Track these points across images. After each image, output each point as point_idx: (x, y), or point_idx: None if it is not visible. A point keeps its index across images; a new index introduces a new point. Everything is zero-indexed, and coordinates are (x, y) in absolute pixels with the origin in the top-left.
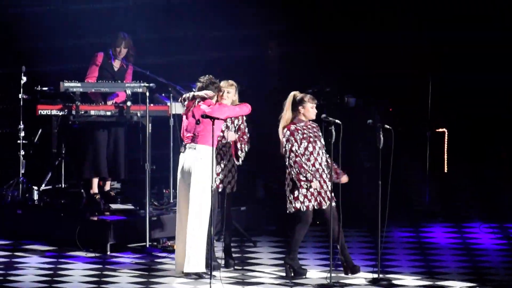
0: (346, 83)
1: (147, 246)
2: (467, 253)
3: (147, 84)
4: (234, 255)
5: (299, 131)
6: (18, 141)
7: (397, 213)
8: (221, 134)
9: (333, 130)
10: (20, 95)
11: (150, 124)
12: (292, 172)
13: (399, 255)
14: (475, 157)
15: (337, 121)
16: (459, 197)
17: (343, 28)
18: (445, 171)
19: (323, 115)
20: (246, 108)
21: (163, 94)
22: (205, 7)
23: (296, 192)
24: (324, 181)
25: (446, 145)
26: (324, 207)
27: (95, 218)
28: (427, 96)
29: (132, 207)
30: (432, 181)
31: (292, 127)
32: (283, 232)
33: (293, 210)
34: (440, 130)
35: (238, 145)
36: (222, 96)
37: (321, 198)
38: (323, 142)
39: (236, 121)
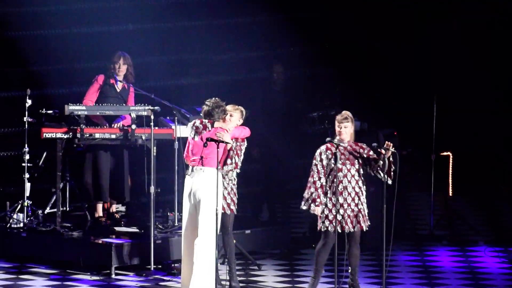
0: (351, 107)
1: (152, 269)
2: (472, 277)
3: (152, 107)
4: (238, 278)
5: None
6: (23, 164)
7: (402, 236)
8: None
9: (337, 154)
10: (25, 118)
11: (154, 147)
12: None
13: (404, 278)
14: (479, 181)
15: (341, 144)
16: (464, 220)
17: (348, 52)
18: (450, 194)
19: (328, 139)
20: (246, 131)
21: (168, 117)
22: (210, 30)
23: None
24: (349, 205)
25: (451, 168)
26: (346, 231)
27: (100, 241)
28: (432, 120)
29: (137, 230)
30: (437, 204)
31: (323, 147)
32: (288, 255)
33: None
34: (445, 153)
35: (231, 153)
36: (224, 119)
37: (344, 222)
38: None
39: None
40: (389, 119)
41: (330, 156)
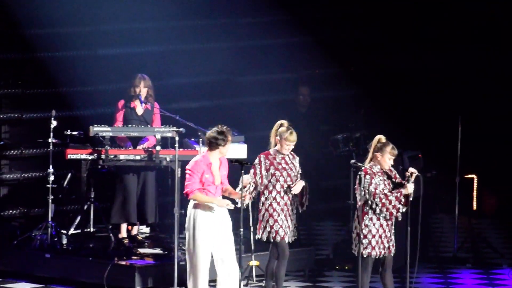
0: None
1: None
2: None
3: (176, 129)
4: None
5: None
6: (48, 185)
7: (425, 259)
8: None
9: (362, 176)
10: (50, 139)
11: (179, 169)
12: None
13: None
14: (504, 203)
15: (366, 166)
16: (488, 243)
17: (373, 74)
18: (474, 217)
19: (353, 161)
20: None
21: (193, 139)
22: (236, 52)
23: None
24: (384, 230)
25: (475, 191)
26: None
27: (124, 263)
28: (457, 141)
29: (161, 251)
30: (461, 227)
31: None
32: (312, 277)
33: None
34: (469, 176)
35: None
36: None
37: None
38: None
39: (294, 170)
40: (414, 141)
41: (379, 181)
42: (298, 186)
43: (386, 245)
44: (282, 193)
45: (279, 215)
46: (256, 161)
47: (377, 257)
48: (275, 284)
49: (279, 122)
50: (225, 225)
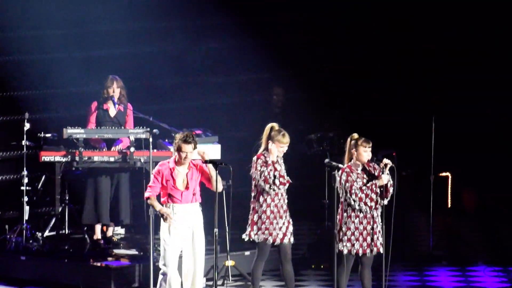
0: (349, 128)
1: None
2: None
3: (150, 130)
4: None
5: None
6: (22, 188)
7: (401, 256)
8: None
9: (336, 175)
10: (23, 142)
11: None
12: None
13: None
14: (478, 201)
15: (340, 165)
16: (463, 240)
17: (346, 73)
18: (449, 215)
19: (327, 160)
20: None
21: (166, 140)
22: (208, 53)
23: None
24: (365, 228)
25: (450, 189)
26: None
27: (99, 264)
28: (431, 140)
29: (136, 252)
30: (436, 224)
31: (347, 169)
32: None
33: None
34: (444, 174)
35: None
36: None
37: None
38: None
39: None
40: (388, 140)
41: (355, 178)
42: None
43: (370, 243)
44: (279, 195)
45: (275, 217)
46: (260, 161)
47: (359, 254)
48: (251, 284)
49: (270, 125)
50: (193, 224)
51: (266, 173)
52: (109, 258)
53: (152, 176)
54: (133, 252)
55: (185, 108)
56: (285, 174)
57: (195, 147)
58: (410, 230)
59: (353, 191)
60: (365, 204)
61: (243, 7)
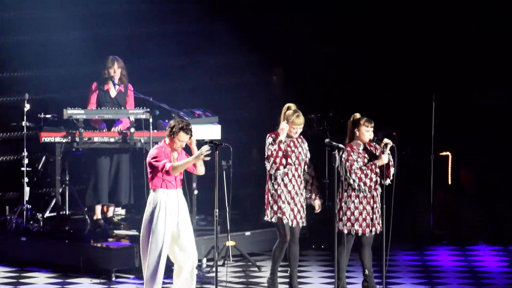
0: (349, 108)
1: None
2: (472, 276)
3: (150, 110)
4: (238, 280)
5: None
6: (22, 169)
7: (401, 236)
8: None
9: (336, 155)
10: (23, 123)
11: None
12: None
13: (404, 278)
14: (478, 180)
15: (340, 145)
16: (464, 220)
17: (345, 51)
18: (449, 195)
19: (327, 140)
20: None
21: (166, 120)
22: (207, 34)
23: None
24: (364, 208)
25: (450, 168)
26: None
27: (99, 245)
28: (431, 119)
29: (137, 232)
30: (436, 204)
31: (348, 148)
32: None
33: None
34: (444, 153)
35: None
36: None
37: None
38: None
39: (303, 153)
40: (388, 119)
41: (356, 157)
42: None
43: (369, 223)
44: (290, 176)
45: (286, 198)
46: (270, 139)
47: (358, 234)
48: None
49: (287, 105)
50: (184, 209)
51: (269, 153)
52: (110, 239)
53: (153, 161)
54: (134, 232)
55: (185, 88)
56: (300, 155)
57: (190, 138)
58: (410, 210)
59: (352, 170)
60: (364, 184)
61: None
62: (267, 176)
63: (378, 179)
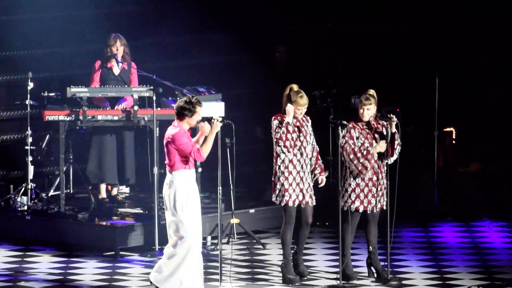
0: (353, 85)
1: (157, 249)
2: (477, 252)
3: (153, 88)
4: (243, 257)
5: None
6: (26, 147)
7: (406, 213)
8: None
9: (340, 132)
10: (27, 101)
11: (157, 128)
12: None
13: (408, 255)
14: (483, 156)
15: (344, 122)
16: (468, 196)
17: (348, 28)
18: (453, 170)
19: (331, 117)
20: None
21: (170, 98)
22: (210, 11)
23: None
24: (374, 184)
25: (454, 144)
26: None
27: (104, 223)
28: (434, 95)
29: (141, 211)
30: (440, 181)
31: (350, 125)
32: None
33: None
34: (448, 129)
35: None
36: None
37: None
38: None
39: (308, 133)
40: (392, 96)
41: (358, 135)
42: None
43: (372, 199)
44: (298, 156)
45: (294, 178)
46: (276, 122)
47: (364, 211)
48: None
49: (289, 86)
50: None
51: (278, 136)
52: (114, 217)
53: (182, 145)
54: (138, 211)
55: (188, 66)
56: (307, 135)
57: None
58: (414, 187)
59: (344, 149)
60: (356, 167)
61: None
62: (274, 157)
63: (374, 164)
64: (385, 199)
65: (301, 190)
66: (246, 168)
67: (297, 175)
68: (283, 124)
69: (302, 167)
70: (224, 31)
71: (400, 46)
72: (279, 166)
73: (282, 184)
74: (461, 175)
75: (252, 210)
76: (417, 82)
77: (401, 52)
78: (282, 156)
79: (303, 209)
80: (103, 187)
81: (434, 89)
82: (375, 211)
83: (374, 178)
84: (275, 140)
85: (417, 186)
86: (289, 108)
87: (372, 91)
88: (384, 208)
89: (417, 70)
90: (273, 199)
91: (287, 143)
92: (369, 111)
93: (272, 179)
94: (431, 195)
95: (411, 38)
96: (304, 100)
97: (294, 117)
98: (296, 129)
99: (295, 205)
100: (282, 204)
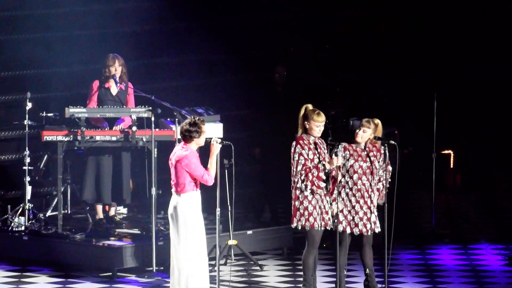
0: (352, 106)
1: (154, 271)
2: (474, 275)
3: (152, 109)
4: (240, 279)
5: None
6: (24, 167)
7: (403, 235)
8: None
9: (338, 152)
10: (25, 121)
11: (155, 149)
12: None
13: (406, 277)
14: (481, 179)
15: (343, 143)
16: (466, 218)
17: (347, 50)
18: (452, 193)
19: (329, 138)
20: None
21: (168, 119)
22: (209, 31)
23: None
24: (361, 206)
25: (452, 167)
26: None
27: (102, 244)
28: (433, 117)
29: (139, 231)
30: (438, 203)
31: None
32: (290, 256)
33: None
34: (446, 152)
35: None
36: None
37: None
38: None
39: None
40: (390, 117)
41: (348, 156)
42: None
43: (357, 222)
44: (320, 182)
45: (317, 201)
46: (299, 147)
47: (348, 232)
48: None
49: (304, 106)
50: None
51: (300, 168)
52: (112, 238)
53: (194, 165)
54: (136, 231)
55: (186, 86)
56: (326, 156)
57: None
58: (412, 208)
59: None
60: (312, 184)
61: None
62: (295, 182)
63: (328, 184)
64: (377, 223)
65: (327, 212)
66: (245, 189)
67: (319, 199)
68: (311, 146)
69: (322, 189)
70: (222, 52)
71: (399, 68)
72: (302, 190)
73: (306, 208)
74: (459, 197)
75: (250, 232)
76: (415, 104)
77: (399, 74)
78: (308, 190)
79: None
80: (99, 207)
81: (432, 111)
82: (367, 233)
83: (361, 201)
84: (298, 170)
85: (415, 208)
86: (312, 126)
87: (377, 120)
88: (376, 231)
89: (416, 91)
90: (293, 224)
91: (319, 183)
92: (365, 134)
93: (292, 202)
94: (428, 217)
95: (410, 60)
96: (322, 117)
97: (313, 136)
98: (320, 155)
99: (321, 228)
100: (307, 228)
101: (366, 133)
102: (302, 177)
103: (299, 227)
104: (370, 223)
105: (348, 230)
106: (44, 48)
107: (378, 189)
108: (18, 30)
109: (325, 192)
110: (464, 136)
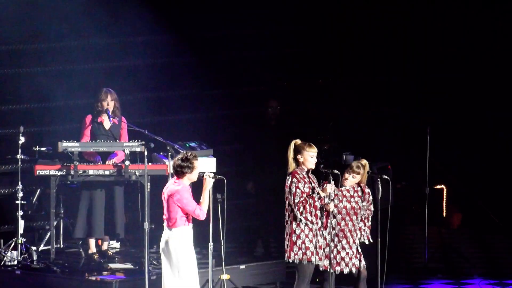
0: (345, 141)
1: None
2: None
3: (145, 143)
4: None
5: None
6: (17, 202)
7: (396, 269)
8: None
9: (331, 181)
10: (18, 155)
11: (148, 183)
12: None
13: None
14: (473, 214)
15: (335, 171)
16: (458, 253)
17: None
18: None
19: (322, 166)
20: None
21: (161, 153)
22: (201, 67)
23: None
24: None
25: (445, 201)
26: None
27: (94, 278)
28: (426, 152)
29: (131, 266)
30: (431, 237)
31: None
32: None
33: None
34: (439, 186)
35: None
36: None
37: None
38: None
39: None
40: (383, 152)
41: (333, 196)
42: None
43: (342, 262)
44: (318, 212)
45: (313, 236)
46: (295, 180)
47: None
48: None
49: (293, 141)
50: None
51: (298, 200)
52: (104, 272)
53: (186, 200)
54: (129, 266)
55: (179, 121)
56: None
57: None
58: (405, 243)
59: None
60: (306, 213)
61: (246, 19)
62: (290, 216)
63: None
64: (362, 261)
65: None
66: (237, 224)
67: (317, 232)
68: (306, 180)
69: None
70: (215, 86)
71: (391, 103)
72: (298, 224)
73: (303, 242)
74: (451, 231)
75: (242, 266)
76: (408, 139)
77: (391, 108)
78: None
79: (309, 266)
80: (92, 241)
81: (425, 146)
82: (353, 271)
83: (344, 241)
84: (296, 203)
85: (408, 243)
86: (307, 157)
87: (364, 161)
88: (360, 270)
89: (409, 126)
90: (289, 258)
91: (317, 213)
92: (354, 179)
93: (287, 237)
94: (421, 251)
95: (402, 95)
96: (314, 148)
97: (308, 168)
98: (310, 184)
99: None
100: (302, 262)
101: (355, 178)
102: (300, 209)
103: (296, 261)
104: (354, 261)
105: (331, 269)
106: (37, 82)
107: (360, 228)
108: (9, 64)
109: (320, 226)
110: (457, 172)
